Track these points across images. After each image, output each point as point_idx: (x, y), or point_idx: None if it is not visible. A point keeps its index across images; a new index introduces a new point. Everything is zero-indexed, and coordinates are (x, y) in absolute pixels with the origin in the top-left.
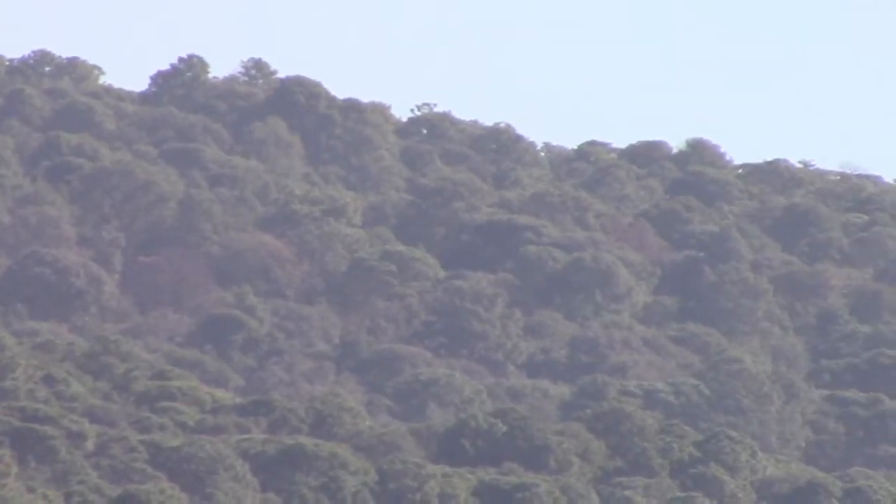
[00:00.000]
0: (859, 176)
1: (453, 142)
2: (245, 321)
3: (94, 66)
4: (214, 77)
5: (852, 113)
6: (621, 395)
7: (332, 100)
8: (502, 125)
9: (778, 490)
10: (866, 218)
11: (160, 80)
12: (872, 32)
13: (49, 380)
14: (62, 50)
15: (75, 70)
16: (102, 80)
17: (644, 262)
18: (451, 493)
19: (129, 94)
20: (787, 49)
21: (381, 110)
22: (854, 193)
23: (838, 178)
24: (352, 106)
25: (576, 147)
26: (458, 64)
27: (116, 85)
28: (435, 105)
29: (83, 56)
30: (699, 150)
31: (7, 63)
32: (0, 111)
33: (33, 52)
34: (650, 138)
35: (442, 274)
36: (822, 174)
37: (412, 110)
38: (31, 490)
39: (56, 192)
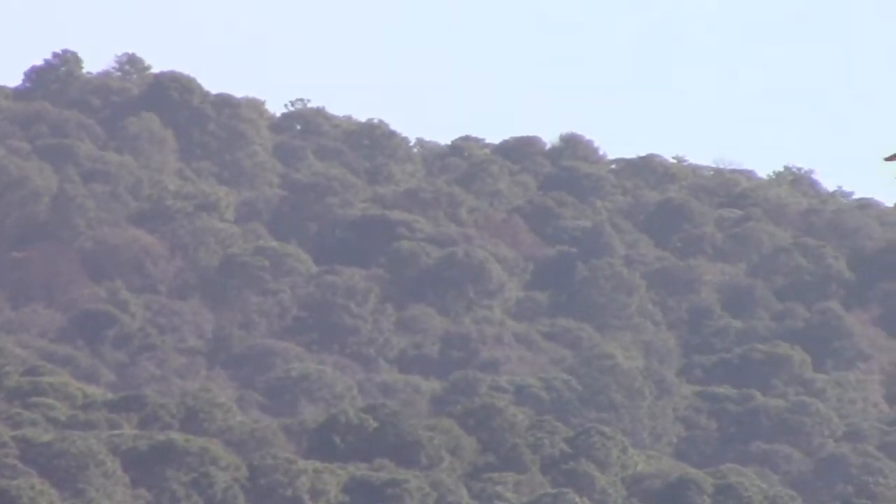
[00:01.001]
0: (733, 171)
1: (327, 137)
2: (117, 316)
3: None
4: (88, 72)
5: (726, 108)
6: (492, 391)
7: (205, 95)
8: (376, 121)
9: (649, 486)
10: (740, 213)
11: (34, 75)
12: (744, 28)
13: None
14: None
15: None
16: None
17: (517, 257)
18: (322, 488)
19: (3, 89)
20: (660, 44)
21: (255, 105)
22: (727, 188)
23: (712, 173)
24: (225, 101)
25: (449, 142)
26: (332, 59)
27: None
28: (309, 101)
29: None
30: (572, 146)
31: None
32: None
33: None
34: (524, 134)
35: (314, 269)
36: (695, 169)
37: (286, 106)
38: None
39: None
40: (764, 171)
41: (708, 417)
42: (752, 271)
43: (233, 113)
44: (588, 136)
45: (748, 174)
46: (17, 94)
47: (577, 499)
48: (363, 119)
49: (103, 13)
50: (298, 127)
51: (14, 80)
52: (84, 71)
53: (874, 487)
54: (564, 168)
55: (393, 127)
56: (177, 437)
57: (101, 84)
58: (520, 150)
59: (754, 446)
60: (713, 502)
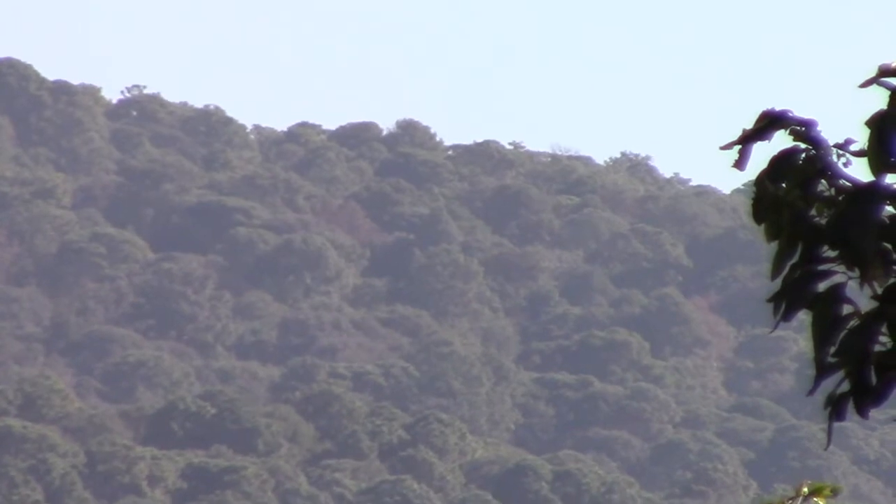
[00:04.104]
0: (570, 157)
1: (163, 124)
2: None
3: None
4: None
5: (562, 94)
6: (330, 378)
7: (42, 82)
8: (212, 107)
9: (487, 472)
10: (577, 200)
11: None
12: (578, 13)
13: None
14: None
15: None
16: None
17: (354, 244)
18: (160, 475)
19: None
20: (495, 30)
21: (91, 92)
22: (565, 175)
23: (549, 159)
24: (62, 88)
25: (286, 129)
26: (169, 44)
27: None
28: (145, 87)
29: None
30: (409, 132)
31: None
32: None
33: None
34: (361, 120)
35: (151, 256)
36: (532, 155)
37: (122, 92)
38: None
39: None
40: (601, 158)
41: (546, 404)
42: (589, 258)
43: (69, 100)
44: (425, 123)
45: (585, 160)
46: None
47: (416, 485)
48: (200, 105)
49: None
50: (135, 113)
51: None
52: None
53: (712, 473)
54: (401, 154)
55: (230, 113)
56: (14, 423)
57: None
58: (356, 137)
59: (592, 432)
60: (551, 488)
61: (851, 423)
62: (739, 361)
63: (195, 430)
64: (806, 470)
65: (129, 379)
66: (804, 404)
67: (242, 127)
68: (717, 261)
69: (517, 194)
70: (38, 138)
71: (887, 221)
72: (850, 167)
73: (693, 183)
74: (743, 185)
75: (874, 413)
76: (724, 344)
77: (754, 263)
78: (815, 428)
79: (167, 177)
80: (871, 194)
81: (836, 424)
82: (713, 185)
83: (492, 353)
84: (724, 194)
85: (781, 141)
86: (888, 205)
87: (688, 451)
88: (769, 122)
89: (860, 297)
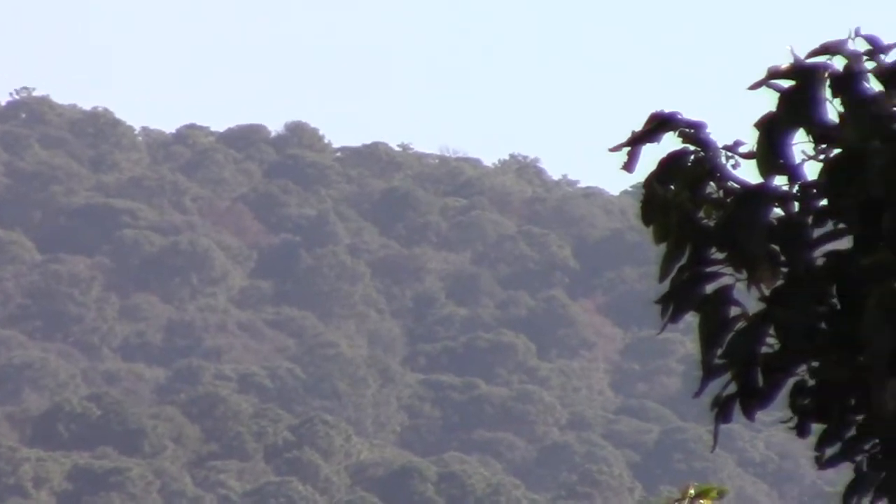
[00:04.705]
0: (458, 159)
1: (52, 126)
2: None
3: None
4: None
5: (451, 95)
6: (216, 379)
7: None
8: (101, 109)
9: (372, 474)
10: (465, 202)
11: None
12: (469, 18)
13: None
14: None
15: None
16: None
17: (241, 245)
18: (45, 476)
19: None
20: (381, 32)
21: None
22: (453, 177)
23: (437, 161)
24: None
25: (174, 131)
26: (58, 46)
27: None
28: (34, 89)
29: None
30: (298, 134)
31: None
32: None
33: None
34: (249, 122)
35: (39, 257)
36: (420, 157)
37: (11, 94)
38: None
39: None
40: (490, 160)
41: (432, 406)
42: (476, 259)
43: None
44: (313, 125)
45: (474, 162)
46: None
47: (301, 487)
48: (88, 108)
49: None
50: (23, 115)
51: None
52: None
53: (598, 476)
54: (289, 156)
55: (118, 115)
56: None
57: None
58: (244, 138)
59: (478, 434)
60: (436, 490)
61: (738, 426)
62: (626, 363)
63: (81, 431)
64: (692, 472)
65: (14, 380)
66: (690, 406)
67: (130, 129)
68: (604, 263)
69: (404, 196)
70: None
71: (775, 223)
72: (738, 169)
73: (581, 185)
74: (631, 186)
75: (760, 415)
76: (611, 346)
77: (641, 265)
78: (701, 430)
79: (55, 179)
80: (759, 196)
81: (723, 426)
82: (601, 186)
83: (378, 354)
84: (612, 196)
85: (671, 143)
86: (776, 207)
87: (573, 453)
88: (658, 124)
89: (748, 299)
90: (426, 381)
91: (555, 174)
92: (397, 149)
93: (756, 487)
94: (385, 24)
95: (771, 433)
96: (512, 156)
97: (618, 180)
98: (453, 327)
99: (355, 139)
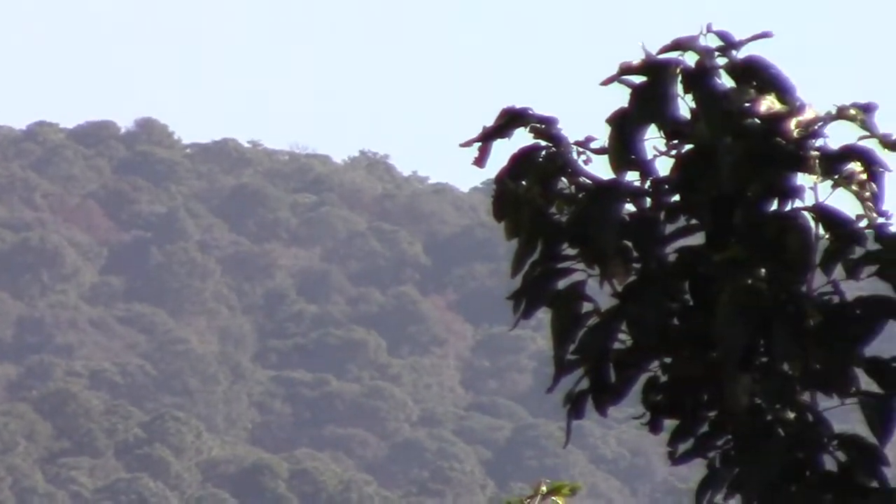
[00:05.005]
0: (308, 155)
1: None
2: None
3: None
4: None
5: (301, 92)
6: (67, 376)
7: None
8: None
9: (224, 471)
10: (315, 198)
11: None
12: (317, 10)
13: None
14: None
15: None
16: None
17: (92, 242)
18: None
19: None
20: (232, 29)
21: None
22: (303, 173)
23: (287, 157)
24: None
25: (24, 127)
26: None
27: None
28: None
29: None
30: (148, 130)
31: None
32: None
33: None
34: (99, 118)
35: None
36: (270, 154)
37: None
38: None
39: None
40: (340, 156)
41: (283, 402)
42: (327, 256)
43: None
44: (163, 121)
45: (323, 159)
46: None
47: (152, 483)
48: None
49: None
50: None
51: None
52: None
53: (449, 472)
54: (139, 153)
55: None
56: None
57: None
58: (95, 135)
59: (329, 431)
60: (288, 487)
61: (590, 422)
62: (477, 360)
63: None
64: (543, 468)
65: None
66: (542, 403)
67: None
68: (455, 259)
69: (254, 193)
70: None
71: (627, 219)
72: (590, 165)
73: (432, 181)
74: (482, 183)
75: (613, 411)
76: (462, 343)
77: (492, 261)
78: (552, 426)
79: None
80: (611, 192)
81: (575, 423)
82: (452, 183)
83: (228, 351)
84: (462, 192)
85: (522, 138)
86: (628, 203)
87: (425, 450)
88: (510, 120)
89: (600, 296)
90: (277, 377)
91: (405, 170)
92: (247, 145)
93: (608, 484)
94: (234, 20)
95: (623, 430)
96: (362, 152)
97: (468, 176)
98: (304, 324)
99: (205, 135)
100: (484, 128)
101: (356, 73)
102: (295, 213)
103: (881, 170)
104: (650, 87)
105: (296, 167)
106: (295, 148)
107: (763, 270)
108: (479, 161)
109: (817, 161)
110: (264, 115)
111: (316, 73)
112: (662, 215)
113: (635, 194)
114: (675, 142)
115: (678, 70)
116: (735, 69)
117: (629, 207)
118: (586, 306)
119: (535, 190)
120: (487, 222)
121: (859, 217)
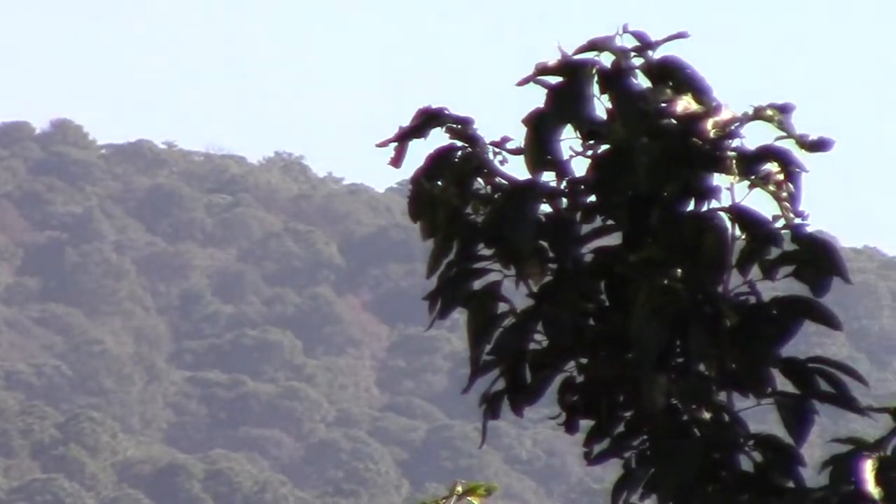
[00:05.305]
0: (224, 156)
1: None
2: None
3: None
4: None
5: (217, 93)
6: None
7: None
8: None
9: (139, 471)
10: (230, 199)
11: None
12: (236, 12)
13: None
14: None
15: None
16: None
17: (7, 242)
18: None
19: None
20: (149, 30)
21: None
22: (218, 174)
23: (202, 158)
24: None
25: None
26: None
27: None
28: None
29: None
30: (63, 131)
31: None
32: None
33: None
34: (13, 119)
35: None
36: (185, 154)
37: None
38: None
39: None
40: (255, 157)
41: (198, 403)
42: (242, 256)
43: None
44: (78, 122)
45: (239, 160)
46: None
47: (67, 484)
48: None
49: None
50: None
51: None
52: None
53: (364, 473)
54: (54, 153)
55: None
56: None
57: None
58: (9, 135)
59: (244, 431)
60: (203, 487)
61: (505, 423)
62: (392, 361)
63: None
64: (458, 469)
65: None
66: (457, 403)
67: None
68: (370, 259)
69: (169, 193)
70: None
71: (543, 220)
72: (506, 165)
73: (347, 181)
74: (398, 183)
75: (528, 412)
76: (377, 343)
77: (408, 262)
78: (468, 427)
79: None
80: (527, 192)
81: (490, 423)
82: (367, 183)
83: (144, 352)
84: (378, 193)
85: (438, 138)
86: (544, 203)
87: (340, 451)
88: (426, 120)
89: (516, 296)
90: (192, 378)
91: (320, 171)
92: (162, 146)
93: (523, 484)
94: (146, 20)
95: (538, 430)
96: (277, 153)
97: (383, 177)
98: (219, 324)
99: (120, 136)
100: (400, 128)
101: (271, 73)
102: (210, 214)
103: (798, 170)
104: (566, 87)
105: (211, 168)
106: (210, 149)
107: (679, 271)
108: (396, 161)
109: (734, 161)
110: (179, 116)
111: (231, 74)
112: (579, 216)
113: (551, 195)
114: (592, 142)
115: (594, 70)
116: (651, 70)
117: (545, 208)
118: (502, 307)
119: (452, 190)
120: (403, 223)
121: (776, 217)
